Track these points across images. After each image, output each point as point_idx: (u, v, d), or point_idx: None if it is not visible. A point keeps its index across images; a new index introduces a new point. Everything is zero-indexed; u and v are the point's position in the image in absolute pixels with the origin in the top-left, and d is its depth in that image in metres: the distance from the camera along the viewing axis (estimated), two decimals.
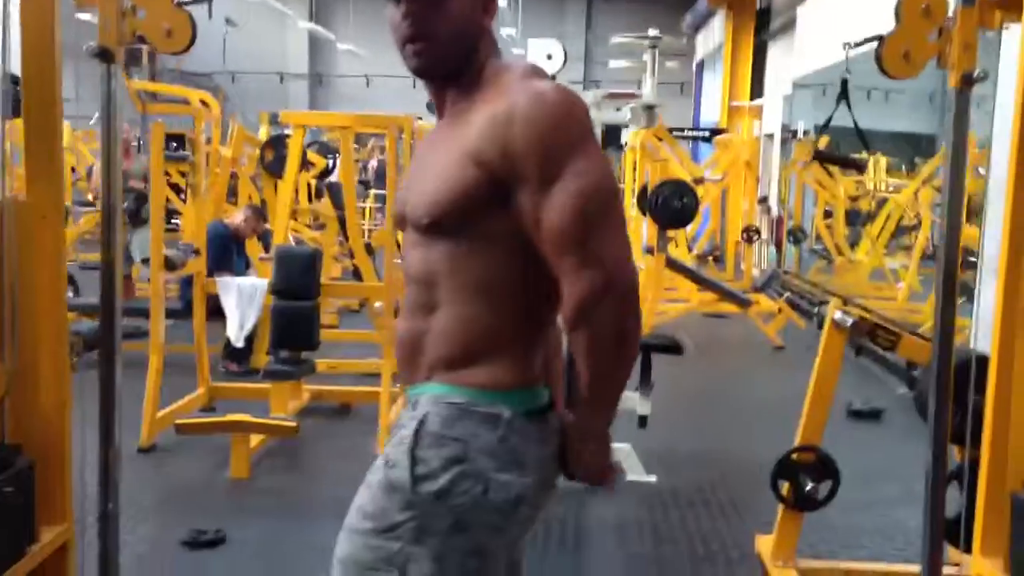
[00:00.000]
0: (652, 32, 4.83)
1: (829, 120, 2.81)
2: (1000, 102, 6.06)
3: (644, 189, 8.60)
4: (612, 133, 23.40)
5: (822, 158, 3.04)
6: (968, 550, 3.36)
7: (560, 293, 1.55)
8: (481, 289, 1.57)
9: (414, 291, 1.63)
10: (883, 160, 13.00)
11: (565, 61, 4.10)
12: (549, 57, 4.12)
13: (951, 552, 3.60)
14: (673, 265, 7.15)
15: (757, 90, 15.26)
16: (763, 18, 15.71)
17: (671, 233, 7.31)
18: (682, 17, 19.00)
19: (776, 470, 3.28)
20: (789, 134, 11.98)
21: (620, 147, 24.42)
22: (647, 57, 4.02)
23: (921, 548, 2.59)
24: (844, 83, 2.59)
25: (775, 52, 14.83)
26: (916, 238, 13.82)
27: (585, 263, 1.47)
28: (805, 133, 11.05)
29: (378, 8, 23.59)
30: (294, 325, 5.02)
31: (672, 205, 6.82)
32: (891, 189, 11.75)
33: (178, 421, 4.31)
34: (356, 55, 20.69)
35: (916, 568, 3.49)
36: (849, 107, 2.60)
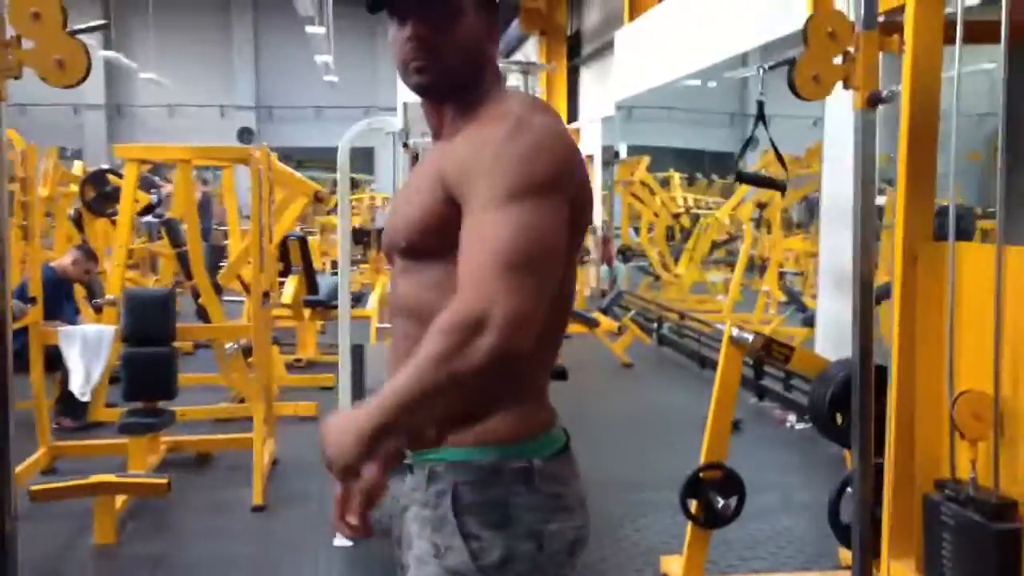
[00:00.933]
0: None
1: (748, 141, 2.87)
2: (827, 124, 6.43)
3: None
4: (364, 158, 23.22)
5: (744, 179, 3.10)
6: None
7: (560, 323, 1.49)
8: None
9: (406, 326, 1.50)
10: (676, 176, 13.58)
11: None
12: None
13: (842, 554, 3.75)
14: None
15: (572, 113, 15.66)
16: (574, 43, 16.18)
17: None
18: None
19: (684, 489, 3.30)
20: (612, 155, 12.33)
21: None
22: (518, 81, 4.02)
23: (853, 554, 2.65)
24: (760, 105, 2.65)
25: (588, 76, 15.28)
26: (725, 252, 14.60)
27: (472, 295, 1.29)
28: (628, 154, 11.42)
29: (183, 34, 23.10)
30: (150, 373, 4.70)
31: None
32: (710, 205, 12.32)
33: (32, 487, 3.92)
34: (159, 84, 19.83)
35: (815, 574, 3.62)
36: (766, 127, 2.66)
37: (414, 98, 4.25)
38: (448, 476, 1.46)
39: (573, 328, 8.26)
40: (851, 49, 2.51)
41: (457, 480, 1.45)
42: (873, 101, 2.52)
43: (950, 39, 2.75)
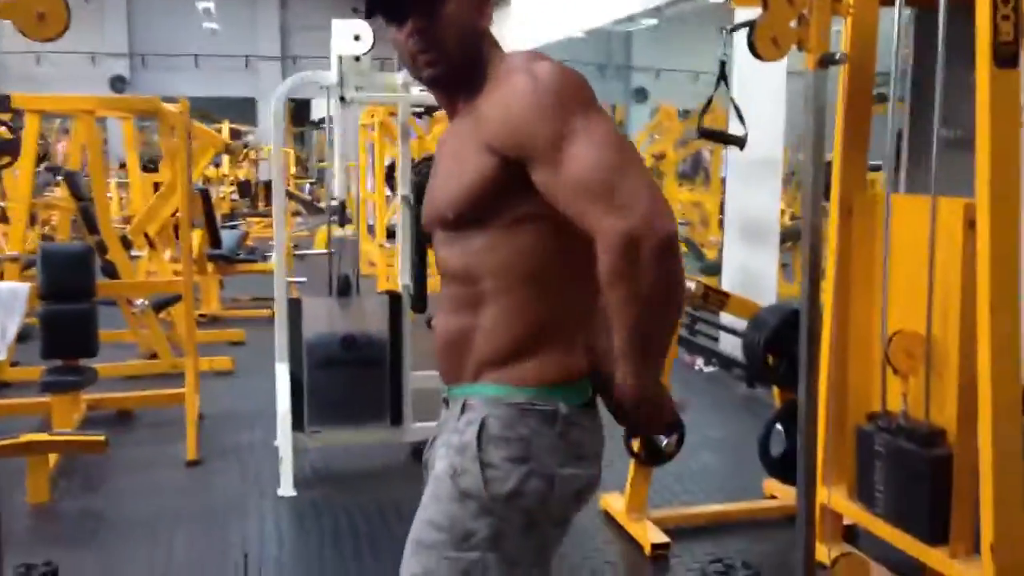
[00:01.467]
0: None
1: (710, 100, 3.00)
2: (735, 80, 6.64)
3: (391, 168, 8.61)
4: (301, 109, 22.79)
5: (705, 134, 3.23)
6: (793, 483, 3.77)
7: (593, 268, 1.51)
8: (523, 278, 1.56)
9: (454, 288, 1.62)
10: None
11: (375, 43, 4.03)
12: (357, 38, 4.03)
13: (767, 486, 4.01)
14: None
15: None
16: None
17: None
18: None
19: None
20: None
21: (313, 123, 23.85)
22: None
23: (797, 489, 2.87)
24: (722, 64, 2.78)
25: None
26: None
27: (612, 211, 1.39)
28: None
29: None
30: (70, 330, 4.58)
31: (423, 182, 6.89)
32: None
33: None
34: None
35: (747, 504, 3.86)
36: (728, 87, 2.80)
37: (349, 50, 4.20)
38: (481, 409, 1.57)
39: None
40: (805, 12, 2.67)
41: (488, 414, 1.56)
42: (824, 62, 2.68)
43: (887, 2, 2.96)
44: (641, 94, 19.47)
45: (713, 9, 8.86)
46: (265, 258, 8.72)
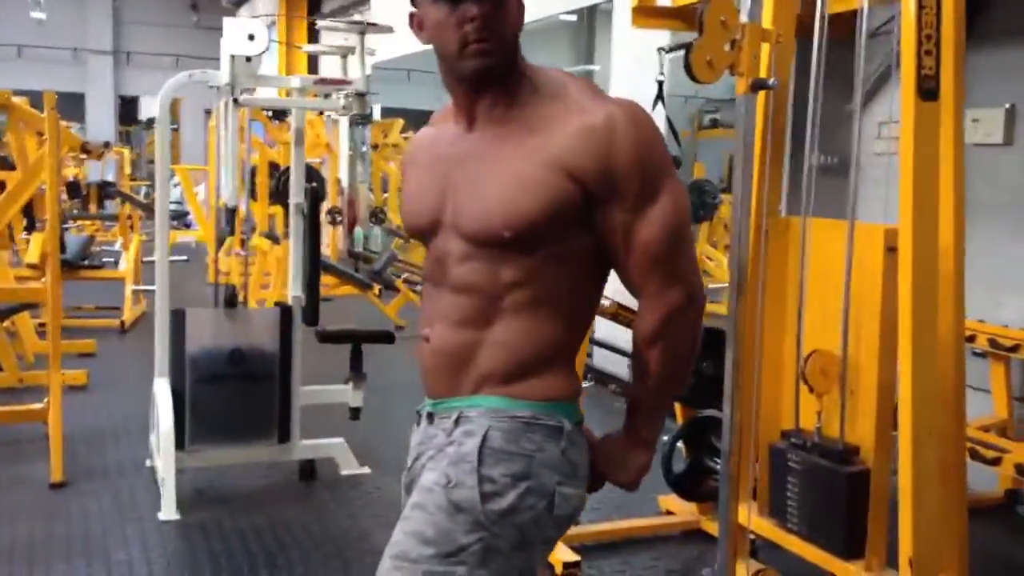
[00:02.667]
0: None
1: None
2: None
3: (253, 172, 8.32)
4: (129, 107, 21.87)
5: None
6: (694, 500, 3.83)
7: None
8: (550, 303, 1.56)
9: (461, 300, 1.56)
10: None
11: (269, 43, 3.86)
12: (251, 38, 3.85)
13: (662, 502, 4.06)
14: None
15: (313, 70, 15.28)
16: None
17: None
18: None
19: None
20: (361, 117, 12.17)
21: (142, 124, 22.92)
22: (354, 42, 3.92)
23: (720, 506, 2.90)
24: (660, 85, 2.79)
25: (332, 34, 14.96)
26: None
27: (672, 279, 1.55)
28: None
29: None
30: None
31: None
32: None
33: None
34: None
35: (650, 521, 3.89)
36: (664, 106, 2.81)
37: (242, 50, 4.01)
38: (481, 420, 1.54)
39: (343, 290, 8.20)
40: (738, 37, 2.71)
41: (491, 426, 1.53)
42: (756, 87, 2.74)
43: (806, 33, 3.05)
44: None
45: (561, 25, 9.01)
46: (112, 264, 8.26)
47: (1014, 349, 3.90)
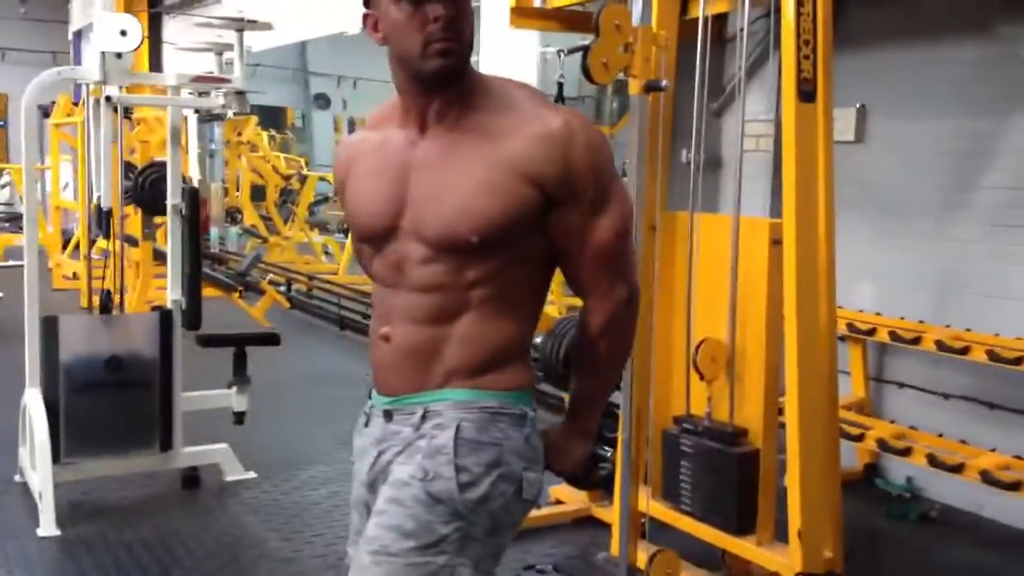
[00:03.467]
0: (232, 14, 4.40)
1: None
2: None
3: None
4: None
5: None
6: (585, 488, 3.94)
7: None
8: (510, 300, 1.62)
9: (424, 301, 1.60)
10: (264, 135, 13.65)
11: (143, 39, 3.74)
12: (123, 34, 3.72)
13: (552, 492, 4.16)
14: (161, 256, 6.79)
15: (155, 65, 14.72)
16: None
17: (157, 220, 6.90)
18: None
19: None
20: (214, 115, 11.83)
21: None
22: (233, 39, 3.83)
23: (620, 491, 3.02)
24: (560, 86, 2.87)
25: (175, 26, 14.45)
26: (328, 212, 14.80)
27: (619, 278, 1.65)
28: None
29: None
30: None
31: (161, 189, 6.46)
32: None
33: None
34: None
35: (544, 512, 3.98)
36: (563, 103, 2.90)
37: (114, 46, 3.90)
38: (450, 413, 1.59)
39: (207, 292, 7.96)
40: (631, 40, 2.83)
41: (462, 417, 1.58)
42: (648, 88, 2.86)
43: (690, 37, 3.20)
44: (322, 100, 19.52)
45: None
46: None
47: (870, 332, 4.18)
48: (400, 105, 1.64)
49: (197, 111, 8.15)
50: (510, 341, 1.62)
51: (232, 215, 11.02)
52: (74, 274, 9.09)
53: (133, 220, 7.45)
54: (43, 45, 17.81)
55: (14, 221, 13.34)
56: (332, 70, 18.50)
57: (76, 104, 9.40)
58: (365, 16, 1.60)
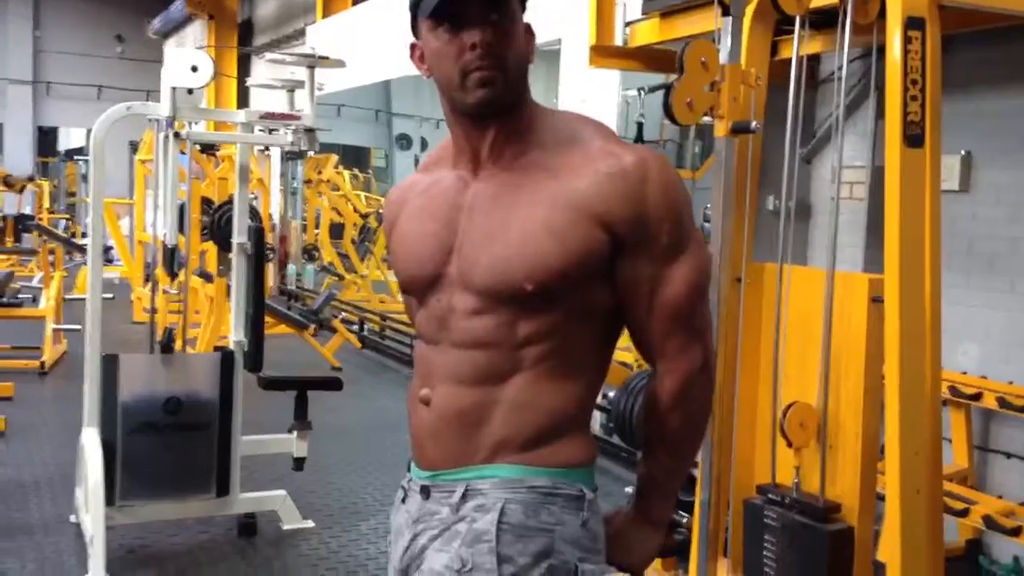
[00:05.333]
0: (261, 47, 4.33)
1: None
2: None
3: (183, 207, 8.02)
4: (47, 138, 21.30)
5: None
6: (658, 556, 3.68)
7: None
8: (569, 361, 1.41)
9: (470, 359, 1.41)
10: (346, 173, 13.74)
11: (214, 74, 3.66)
12: (194, 69, 3.65)
13: None
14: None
15: (244, 103, 15.00)
16: (245, 30, 15.53)
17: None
18: (148, 20, 17.99)
19: None
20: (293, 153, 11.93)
21: (61, 156, 22.45)
22: (303, 75, 3.75)
23: (697, 564, 2.77)
24: (639, 125, 2.69)
25: (263, 66, 14.71)
26: None
27: (692, 339, 1.45)
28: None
29: None
30: None
31: None
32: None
33: None
34: None
35: None
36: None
37: (184, 81, 3.82)
38: (495, 493, 1.38)
39: (277, 330, 7.92)
40: (718, 79, 2.62)
41: (508, 498, 1.37)
42: (736, 130, 2.65)
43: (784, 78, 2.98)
44: (405, 140, 19.73)
45: None
46: (31, 301, 7.86)
47: (975, 397, 3.86)
48: (452, 145, 1.47)
49: (266, 148, 8.16)
50: (568, 408, 1.41)
51: (310, 252, 11.04)
52: (153, 307, 9.18)
53: (210, 256, 7.47)
54: (139, 84, 18.32)
55: (103, 254, 13.61)
56: (414, 111, 18.64)
57: (133, 145, 9.57)
58: (413, 47, 1.44)
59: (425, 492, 1.45)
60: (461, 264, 1.40)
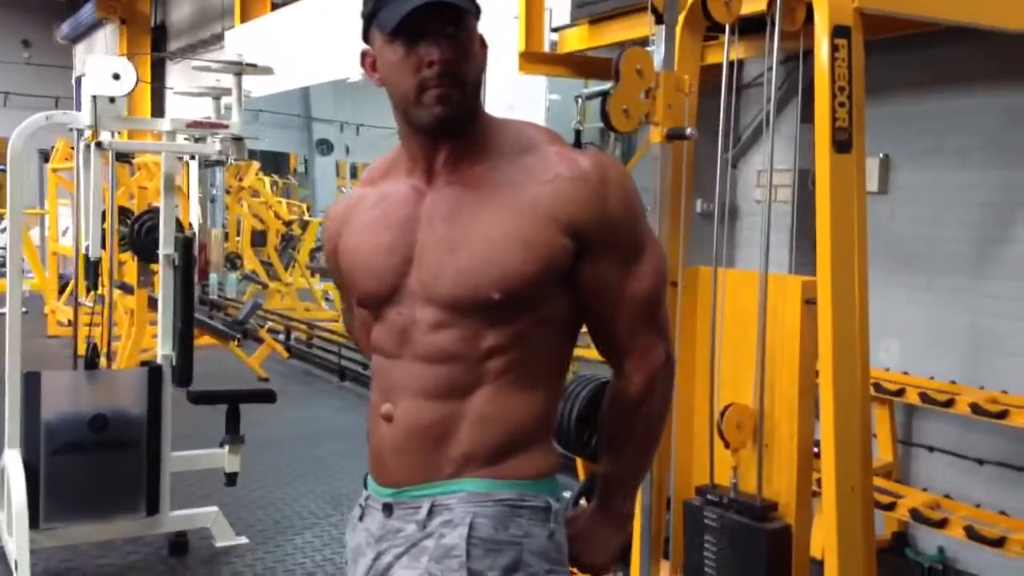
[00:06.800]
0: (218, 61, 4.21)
1: None
2: None
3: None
4: None
5: None
6: None
7: None
8: (533, 370, 1.41)
9: (433, 372, 1.39)
10: (266, 180, 13.56)
11: (137, 82, 3.57)
12: (116, 77, 3.55)
13: None
14: (156, 304, 6.59)
15: (158, 110, 14.68)
16: (159, 35, 15.21)
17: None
18: (56, 24, 17.50)
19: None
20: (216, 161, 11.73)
21: None
22: (231, 83, 3.67)
23: (640, 566, 2.79)
24: (578, 133, 2.68)
25: (178, 72, 14.42)
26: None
27: (658, 336, 1.47)
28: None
29: None
30: None
31: (156, 236, 6.29)
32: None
33: None
34: None
35: None
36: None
37: (107, 90, 3.72)
38: (462, 507, 1.37)
39: (203, 340, 7.75)
40: (653, 86, 2.65)
41: (476, 512, 1.36)
42: (671, 136, 2.68)
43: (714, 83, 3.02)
44: (325, 145, 19.52)
45: None
46: None
47: (898, 393, 3.96)
48: (404, 154, 1.45)
49: (194, 156, 8.00)
50: (533, 419, 1.41)
51: (232, 261, 10.85)
52: (68, 321, 8.90)
53: (129, 267, 7.29)
54: (46, 90, 17.76)
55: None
56: (335, 116, 18.47)
57: (44, 154, 9.31)
58: (363, 55, 1.41)
59: (388, 510, 1.43)
60: (422, 275, 1.39)
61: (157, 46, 15.10)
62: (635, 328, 1.43)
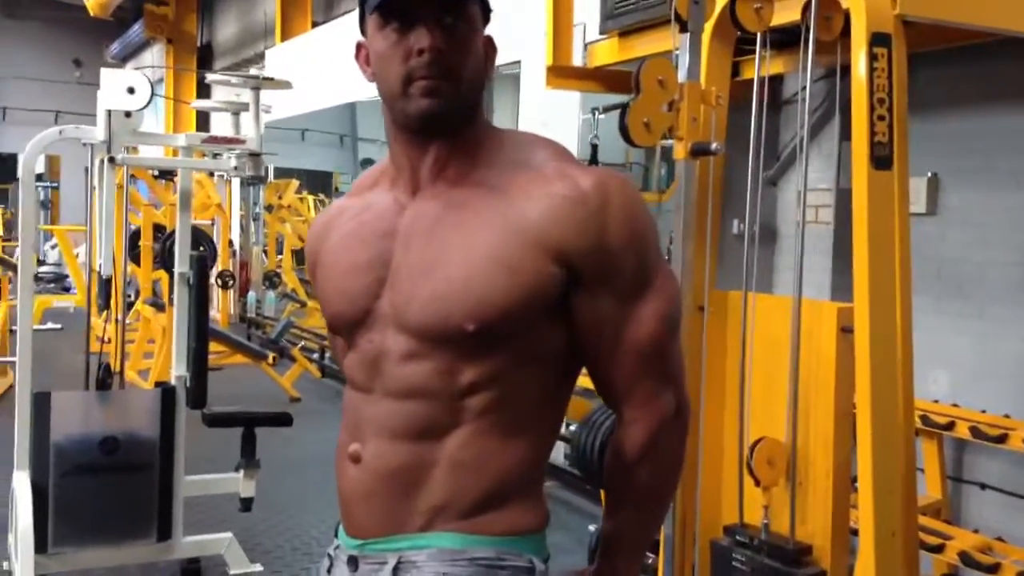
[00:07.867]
0: (217, 73, 4.19)
1: None
2: None
3: (136, 234, 7.81)
4: (6, 164, 21.06)
5: None
6: None
7: None
8: (517, 412, 1.25)
9: (404, 410, 1.24)
10: (309, 198, 13.57)
11: (152, 95, 3.49)
12: (131, 91, 3.47)
13: None
14: None
15: (203, 127, 14.77)
16: (205, 54, 15.34)
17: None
18: (106, 44, 17.75)
19: None
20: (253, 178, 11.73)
21: (19, 183, 22.21)
22: (247, 98, 3.58)
23: None
24: (594, 147, 2.54)
25: (223, 90, 14.50)
26: None
27: (664, 384, 1.29)
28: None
29: None
30: None
31: None
32: None
33: None
34: None
35: None
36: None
37: (121, 104, 3.63)
38: (430, 566, 1.21)
39: (235, 359, 7.69)
40: (676, 98, 2.49)
41: (446, 572, 1.21)
42: (696, 152, 2.51)
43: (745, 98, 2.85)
44: (370, 165, 19.52)
45: None
46: None
47: (948, 427, 3.74)
48: (390, 164, 1.31)
49: (216, 174, 7.98)
50: (516, 467, 1.24)
51: (271, 279, 10.81)
52: (107, 338, 8.91)
53: (164, 284, 7.26)
54: (96, 109, 17.97)
55: (59, 282, 13.34)
56: (379, 135, 18.51)
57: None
58: (358, 47, 1.28)
59: (353, 563, 1.29)
60: (395, 299, 1.24)
61: (203, 65, 15.23)
62: (636, 374, 1.26)
